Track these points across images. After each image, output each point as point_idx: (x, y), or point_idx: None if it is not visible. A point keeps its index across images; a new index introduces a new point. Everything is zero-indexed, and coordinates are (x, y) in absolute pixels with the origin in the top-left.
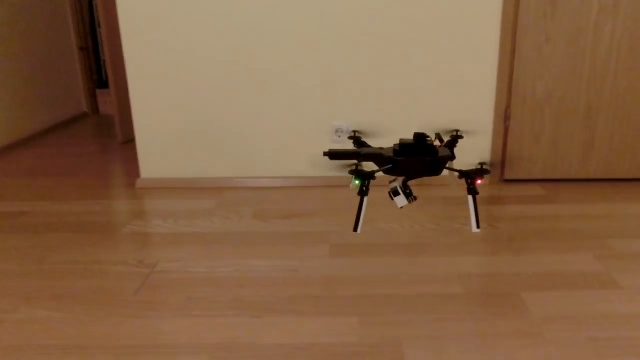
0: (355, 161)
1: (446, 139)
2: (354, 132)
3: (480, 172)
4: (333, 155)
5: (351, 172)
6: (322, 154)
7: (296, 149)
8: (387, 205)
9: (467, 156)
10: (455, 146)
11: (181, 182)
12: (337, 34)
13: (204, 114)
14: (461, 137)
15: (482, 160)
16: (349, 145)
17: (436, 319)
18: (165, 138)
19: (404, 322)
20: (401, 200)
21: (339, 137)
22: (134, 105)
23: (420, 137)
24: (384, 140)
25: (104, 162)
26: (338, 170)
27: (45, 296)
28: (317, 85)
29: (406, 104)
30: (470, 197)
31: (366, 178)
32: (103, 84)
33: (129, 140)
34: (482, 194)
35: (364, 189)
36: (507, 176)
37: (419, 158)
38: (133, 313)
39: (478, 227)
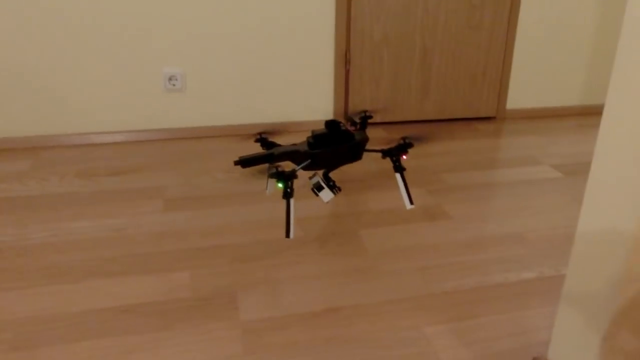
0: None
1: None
2: (259, 133)
3: (403, 147)
4: (245, 162)
5: (271, 176)
6: (233, 163)
7: (125, 101)
8: (225, 155)
9: (310, 103)
10: (366, 127)
11: None
12: None
13: (13, 67)
14: (370, 117)
15: (405, 135)
16: (188, 92)
17: (271, 265)
18: None
19: (238, 271)
20: (326, 195)
21: (174, 85)
22: None
23: (332, 125)
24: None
25: None
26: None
27: None
28: (144, 30)
29: (242, 46)
30: (397, 175)
31: (289, 179)
32: None
33: None
34: None
35: (288, 190)
36: None
37: (337, 147)
38: None
39: (411, 202)
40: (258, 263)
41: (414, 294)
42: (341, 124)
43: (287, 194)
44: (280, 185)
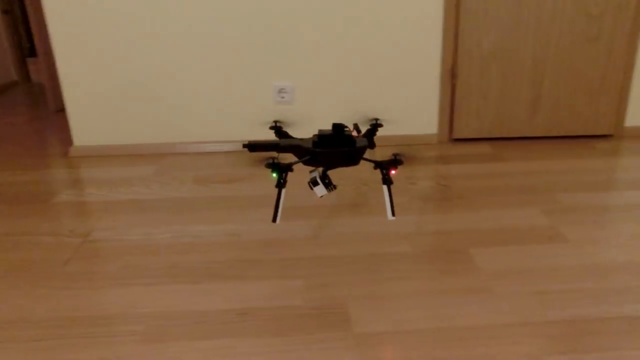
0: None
1: (366, 127)
2: (275, 122)
3: (394, 162)
4: (252, 147)
5: (267, 165)
6: (242, 145)
7: (237, 111)
8: None
9: (416, 117)
10: (375, 134)
11: (117, 149)
12: None
13: (138, 78)
14: (380, 126)
15: (397, 152)
16: (296, 104)
17: (383, 279)
18: (98, 104)
19: (349, 283)
20: (320, 190)
21: (283, 97)
22: (61, 71)
23: (338, 128)
24: (308, 129)
25: (35, 131)
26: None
27: None
28: (256, 43)
29: (348, 60)
30: (385, 187)
31: (283, 170)
32: (34, 52)
33: (62, 109)
34: (431, 153)
35: (282, 181)
36: (456, 135)
37: (336, 149)
38: (63, 284)
39: (393, 214)
40: (369, 276)
41: (531, 320)
42: (347, 129)
43: (280, 184)
44: (274, 175)
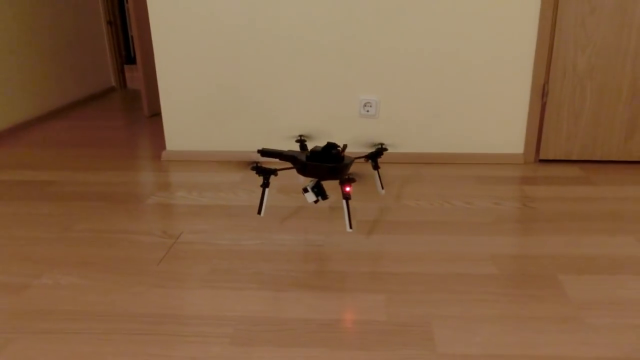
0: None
1: (372, 149)
2: (300, 136)
3: (348, 180)
4: (263, 152)
5: (253, 169)
6: (256, 150)
7: (323, 122)
8: (415, 182)
9: (501, 136)
10: (380, 157)
11: (207, 155)
12: (368, 2)
13: (230, 87)
14: (385, 150)
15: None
16: (381, 118)
17: (467, 299)
18: (191, 111)
19: (433, 301)
20: (309, 197)
21: (367, 111)
22: (161, 79)
23: (328, 147)
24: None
25: (130, 135)
26: (366, 147)
27: (70, 263)
28: (345, 56)
29: (435, 74)
30: (343, 201)
31: (266, 174)
32: (131, 59)
33: (155, 114)
34: (515, 173)
35: (266, 182)
36: (543, 156)
37: (322, 164)
38: (156, 282)
39: (350, 227)
40: (454, 296)
41: (629, 356)
42: (337, 148)
43: (264, 185)
44: (260, 176)
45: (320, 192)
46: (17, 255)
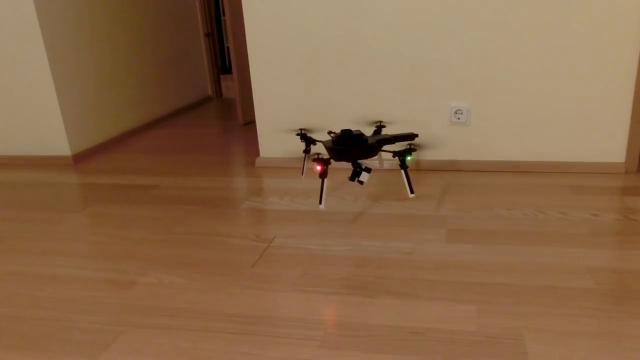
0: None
1: (372, 128)
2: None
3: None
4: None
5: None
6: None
7: (414, 129)
8: (507, 191)
9: (600, 144)
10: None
11: (298, 162)
12: (455, 8)
13: (322, 96)
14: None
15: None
16: (472, 126)
17: (562, 313)
18: (284, 119)
19: (526, 314)
20: (364, 177)
21: (458, 119)
22: (255, 88)
23: (348, 132)
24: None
25: (226, 142)
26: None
27: (171, 263)
28: (436, 63)
29: (529, 82)
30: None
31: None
32: (226, 69)
33: (249, 122)
34: (616, 183)
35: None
36: None
37: (353, 145)
38: (250, 284)
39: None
40: (548, 309)
41: None
42: (357, 130)
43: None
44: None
45: (361, 170)
46: (126, 254)
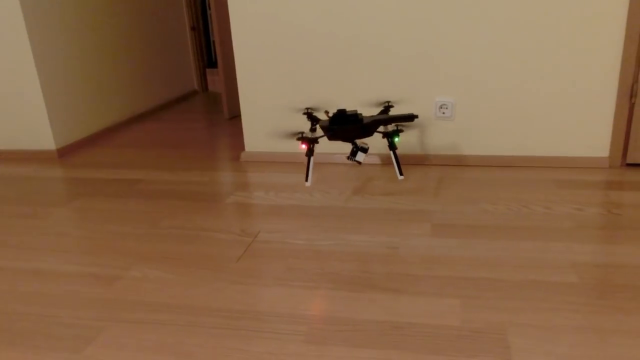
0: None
1: (380, 108)
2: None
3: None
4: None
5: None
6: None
7: (399, 124)
8: (492, 186)
9: (585, 138)
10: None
11: (283, 157)
12: (440, 4)
13: (308, 91)
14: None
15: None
16: (457, 120)
17: (545, 308)
18: (270, 114)
19: (509, 309)
20: (360, 157)
21: (443, 113)
22: (241, 83)
23: (342, 112)
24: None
25: (211, 136)
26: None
27: (156, 257)
28: (420, 60)
29: (514, 76)
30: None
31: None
32: (212, 63)
33: (235, 116)
34: (600, 177)
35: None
36: (630, 160)
37: (346, 125)
38: (235, 279)
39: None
40: (532, 304)
41: None
42: (353, 111)
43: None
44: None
45: (358, 149)
46: (110, 248)
